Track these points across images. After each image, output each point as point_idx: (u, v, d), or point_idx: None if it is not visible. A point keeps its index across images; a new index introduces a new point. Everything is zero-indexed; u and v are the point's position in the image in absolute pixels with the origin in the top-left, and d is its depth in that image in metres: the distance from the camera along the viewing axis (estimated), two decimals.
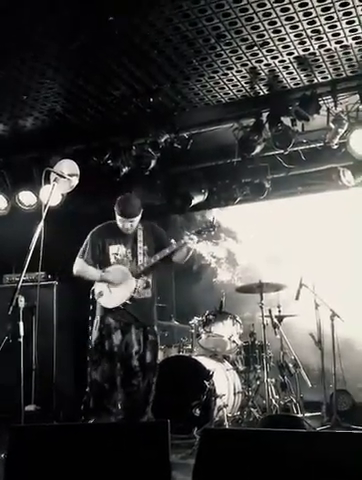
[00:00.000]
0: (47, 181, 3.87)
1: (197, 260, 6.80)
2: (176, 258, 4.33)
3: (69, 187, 3.97)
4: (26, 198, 6.13)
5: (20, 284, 3.56)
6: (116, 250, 4.38)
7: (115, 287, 4.29)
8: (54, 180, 3.83)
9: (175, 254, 4.30)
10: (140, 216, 4.38)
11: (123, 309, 4.23)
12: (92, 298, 4.44)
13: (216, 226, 4.28)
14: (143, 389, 4.20)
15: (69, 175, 3.90)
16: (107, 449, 2.24)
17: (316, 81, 4.89)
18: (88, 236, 4.51)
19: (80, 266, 4.42)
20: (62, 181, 3.87)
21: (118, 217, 4.36)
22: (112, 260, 4.37)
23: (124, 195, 4.46)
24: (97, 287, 4.39)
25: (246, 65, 4.60)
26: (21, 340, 3.76)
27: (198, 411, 4.64)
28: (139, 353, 4.20)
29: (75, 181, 3.96)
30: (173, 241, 4.28)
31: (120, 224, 4.37)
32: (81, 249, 4.47)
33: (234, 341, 5.56)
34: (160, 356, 5.83)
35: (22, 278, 3.57)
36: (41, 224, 3.62)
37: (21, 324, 3.82)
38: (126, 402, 4.15)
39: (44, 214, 3.67)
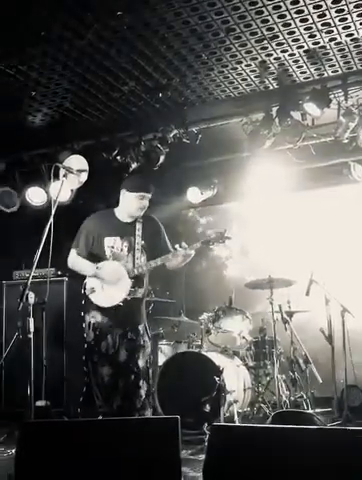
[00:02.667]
0: (56, 177, 3.87)
1: (207, 253, 6.72)
2: (171, 265, 4.13)
3: (78, 183, 3.96)
4: (35, 194, 6.14)
5: (30, 280, 3.57)
6: (112, 243, 4.12)
7: (109, 285, 4.05)
8: (63, 176, 3.83)
9: (172, 261, 4.10)
10: (151, 195, 4.15)
11: (114, 310, 4.02)
12: (83, 293, 4.16)
13: (227, 238, 4.07)
14: (126, 390, 3.99)
15: (78, 171, 3.89)
16: (117, 445, 2.24)
17: (326, 75, 4.85)
18: (82, 224, 4.25)
19: (73, 258, 4.20)
20: (71, 177, 3.86)
21: (131, 194, 4.07)
22: (107, 253, 4.12)
23: (132, 172, 4.22)
24: (89, 282, 4.14)
25: (256, 59, 4.57)
26: (31, 336, 3.76)
27: (208, 407, 4.63)
28: (126, 356, 4.00)
29: (84, 177, 3.95)
30: (177, 247, 4.04)
31: (129, 204, 4.11)
32: (75, 239, 4.23)
33: (244, 337, 5.55)
34: (170, 352, 5.86)
35: (32, 274, 3.57)
36: (51, 220, 3.62)
37: (31, 320, 3.82)
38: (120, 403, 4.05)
39: (53, 210, 3.68)
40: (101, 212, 4.35)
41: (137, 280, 4.09)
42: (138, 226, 4.16)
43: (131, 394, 3.98)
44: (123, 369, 4.00)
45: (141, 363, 4.05)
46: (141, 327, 4.13)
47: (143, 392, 4.02)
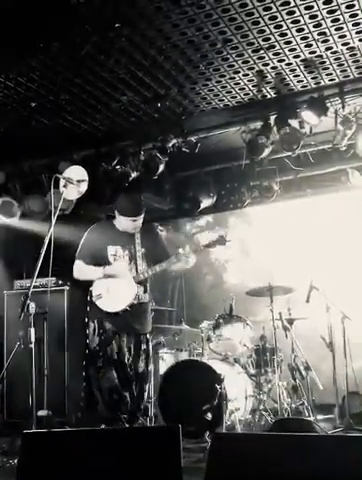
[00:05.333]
0: (56, 187, 3.90)
1: (206, 259, 6.72)
2: (175, 268, 4.23)
3: (78, 193, 4.00)
4: (36, 204, 6.16)
5: (31, 290, 3.59)
6: (114, 251, 4.25)
7: (115, 289, 4.14)
8: (63, 186, 3.86)
9: (175, 265, 4.20)
10: (143, 216, 4.26)
11: (121, 315, 4.11)
12: (89, 299, 4.26)
13: (228, 240, 4.18)
14: (135, 397, 4.11)
15: (78, 181, 3.93)
16: (119, 454, 2.25)
17: (323, 83, 4.88)
18: (84, 235, 4.35)
19: (80, 267, 4.28)
20: (71, 187, 3.89)
21: (120, 217, 4.22)
22: (111, 261, 4.24)
23: (125, 193, 4.33)
24: (96, 288, 4.24)
25: (253, 68, 4.61)
26: (32, 346, 3.78)
27: (209, 415, 4.63)
28: (130, 361, 4.09)
29: (84, 187, 3.99)
30: (171, 255, 4.18)
31: (123, 225, 4.23)
32: (78, 250, 4.32)
33: (245, 344, 5.55)
34: (171, 360, 5.86)
35: (33, 284, 3.59)
36: (51, 230, 3.65)
37: (32, 330, 3.83)
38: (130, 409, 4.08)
39: (54, 220, 3.70)
40: (101, 223, 4.46)
41: (142, 285, 4.20)
42: (137, 235, 4.28)
43: (139, 400, 4.13)
44: (141, 378, 4.13)
45: (150, 369, 4.25)
46: (149, 335, 4.27)
47: (146, 396, 4.18)
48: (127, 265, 4.18)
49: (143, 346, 4.16)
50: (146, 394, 4.15)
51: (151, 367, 4.22)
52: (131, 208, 4.23)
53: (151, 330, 4.32)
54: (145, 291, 4.23)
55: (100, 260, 4.24)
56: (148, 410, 4.12)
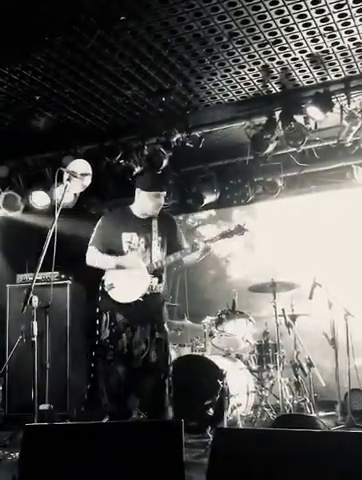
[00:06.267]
0: (60, 181, 3.89)
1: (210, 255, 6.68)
2: (188, 259, 4.14)
3: (82, 187, 3.98)
4: (39, 198, 6.15)
5: (34, 284, 3.58)
6: (129, 238, 4.10)
7: (128, 280, 4.02)
8: (67, 180, 3.84)
9: (189, 256, 4.11)
10: (165, 194, 4.18)
11: (134, 305, 3.99)
12: (101, 289, 4.12)
13: (246, 230, 4.02)
14: (154, 391, 3.97)
15: (82, 175, 3.91)
16: (121, 448, 2.24)
17: (329, 79, 4.86)
18: (99, 221, 4.25)
19: (92, 254, 4.16)
20: (75, 181, 3.88)
21: (142, 194, 4.08)
22: (125, 248, 4.09)
23: (144, 170, 4.23)
24: (108, 278, 4.11)
25: (258, 63, 4.59)
26: (35, 339, 3.77)
27: (211, 410, 4.63)
28: (144, 353, 3.97)
29: (88, 181, 3.97)
30: (187, 246, 4.08)
31: (144, 203, 4.10)
32: (92, 236, 4.21)
33: (247, 340, 5.54)
34: (173, 355, 5.85)
35: (36, 278, 3.59)
36: (54, 224, 3.64)
37: (35, 323, 3.82)
38: (141, 405, 4.03)
39: (57, 214, 3.69)
40: (118, 209, 4.34)
41: (156, 275, 4.07)
42: (154, 222, 4.15)
43: (160, 393, 3.97)
44: (154, 369, 3.98)
45: (168, 361, 4.07)
46: (166, 325, 4.12)
47: (167, 390, 4.01)
48: (142, 254, 4.09)
49: (157, 336, 4.02)
50: (167, 389, 3.98)
51: (168, 359, 4.10)
52: (153, 182, 4.11)
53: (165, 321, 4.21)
54: (160, 281, 4.09)
55: (114, 247, 4.12)
56: (168, 403, 3.99)
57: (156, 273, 4.06)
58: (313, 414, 4.99)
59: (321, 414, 5.22)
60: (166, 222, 4.23)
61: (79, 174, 3.90)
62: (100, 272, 4.20)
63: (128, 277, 4.03)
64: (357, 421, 5.03)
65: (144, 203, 4.12)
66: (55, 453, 2.28)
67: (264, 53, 4.42)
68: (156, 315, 4.10)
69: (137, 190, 4.14)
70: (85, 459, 2.25)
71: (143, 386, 3.99)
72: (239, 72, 4.73)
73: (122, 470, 2.21)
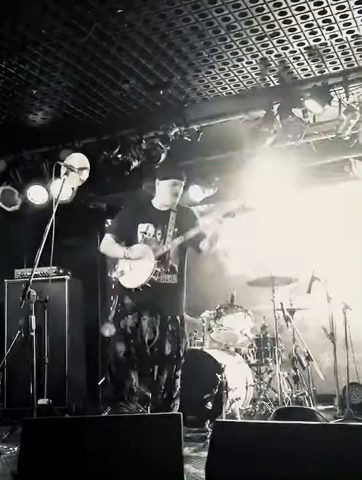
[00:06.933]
0: (57, 175, 3.88)
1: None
2: (202, 245, 4.10)
3: (79, 181, 3.96)
4: (37, 193, 6.13)
5: (32, 278, 3.57)
6: (145, 229, 4.13)
7: (136, 266, 4.04)
8: (64, 174, 3.83)
9: (201, 241, 4.08)
10: (184, 183, 4.19)
11: (141, 291, 3.98)
12: (114, 276, 4.22)
13: (249, 208, 4.04)
14: (163, 383, 3.98)
15: (79, 169, 3.90)
16: (119, 442, 2.25)
17: (327, 72, 4.84)
18: (120, 210, 4.36)
19: (106, 242, 4.24)
20: (72, 175, 3.86)
21: (164, 183, 4.11)
22: (139, 239, 4.12)
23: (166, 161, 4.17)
24: (119, 265, 4.16)
25: (256, 56, 4.57)
26: (33, 334, 3.76)
27: (210, 404, 4.64)
28: (153, 342, 3.97)
29: (85, 175, 3.95)
30: (197, 222, 4.07)
31: (162, 194, 4.13)
32: (110, 224, 4.34)
33: (246, 334, 5.54)
34: None
35: (34, 273, 3.58)
36: (52, 218, 3.63)
37: (33, 318, 3.81)
38: (146, 396, 4.02)
39: (55, 208, 3.68)
40: (140, 200, 4.36)
41: (165, 262, 4.05)
42: (172, 214, 4.17)
43: (171, 384, 4.00)
44: (168, 361, 4.00)
45: (181, 354, 4.07)
46: (179, 317, 4.10)
47: (178, 382, 4.05)
48: (156, 244, 4.11)
49: (170, 328, 4.02)
50: (178, 380, 4.02)
51: (181, 350, 4.10)
52: (171, 171, 4.17)
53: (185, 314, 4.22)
54: (172, 272, 4.09)
55: (128, 237, 4.17)
56: (178, 395, 4.01)
57: (163, 259, 4.05)
58: (312, 407, 5.00)
59: (320, 407, 5.24)
60: (185, 215, 4.23)
61: (77, 168, 3.89)
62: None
63: (137, 265, 4.05)
64: (356, 414, 5.04)
65: (163, 193, 4.14)
66: (54, 447, 2.28)
67: (262, 46, 4.39)
68: (168, 306, 4.07)
69: (156, 182, 4.17)
70: (84, 453, 2.25)
71: (155, 375, 3.99)
72: (237, 65, 4.71)
73: (121, 463, 2.21)
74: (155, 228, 4.14)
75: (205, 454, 2.19)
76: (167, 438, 2.23)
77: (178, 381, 4.04)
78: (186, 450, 4.17)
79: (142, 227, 4.14)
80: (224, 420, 4.23)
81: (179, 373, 4.05)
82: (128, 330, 4.00)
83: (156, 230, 4.14)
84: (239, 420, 4.62)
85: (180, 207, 4.27)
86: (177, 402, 4.03)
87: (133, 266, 4.07)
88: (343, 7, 3.91)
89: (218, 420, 2.48)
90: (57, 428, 2.40)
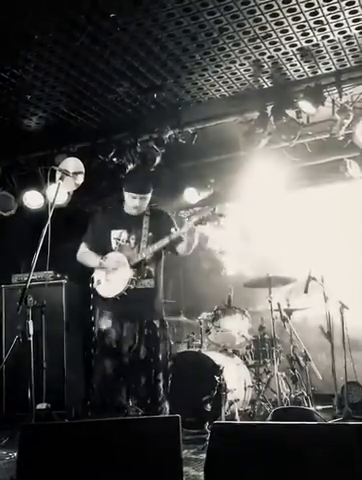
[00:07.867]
0: (53, 180, 3.88)
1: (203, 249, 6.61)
2: (179, 249, 4.07)
3: (75, 185, 3.98)
4: (33, 198, 6.13)
5: (28, 283, 3.57)
6: (118, 235, 4.12)
7: (112, 276, 4.03)
8: (60, 178, 3.84)
9: (178, 245, 4.05)
10: (150, 196, 4.14)
11: (121, 301, 3.96)
12: (92, 286, 4.16)
13: (220, 215, 4.00)
14: (145, 387, 3.95)
15: (74, 173, 3.90)
16: (118, 445, 2.25)
17: (320, 72, 4.86)
18: (91, 218, 4.33)
19: (82, 251, 4.22)
20: (68, 179, 3.87)
21: (125, 194, 4.10)
22: (113, 245, 4.12)
23: (134, 169, 4.21)
24: (96, 275, 4.14)
25: (249, 58, 4.58)
26: (31, 339, 3.77)
27: (209, 406, 4.65)
28: (133, 348, 3.95)
29: (80, 179, 3.96)
30: (173, 230, 4.00)
31: (128, 204, 4.12)
32: (85, 233, 4.28)
33: (243, 335, 5.56)
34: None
35: (30, 277, 3.58)
36: (48, 223, 3.63)
37: (30, 323, 3.82)
38: (133, 401, 4.02)
39: (51, 213, 3.68)
40: (111, 207, 4.37)
41: (141, 270, 4.03)
42: (145, 219, 4.15)
43: (152, 388, 3.96)
44: (144, 366, 3.97)
45: (160, 357, 4.01)
46: (157, 322, 4.06)
47: (161, 385, 3.99)
48: (131, 250, 4.09)
49: (146, 332, 3.99)
50: (161, 384, 3.96)
51: (166, 355, 4.06)
52: (136, 185, 4.11)
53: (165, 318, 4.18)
54: (149, 277, 4.07)
55: (102, 245, 4.15)
56: (164, 398, 3.98)
57: (140, 267, 4.04)
58: (310, 407, 5.01)
59: (318, 407, 5.24)
60: (158, 219, 4.21)
61: (72, 172, 3.90)
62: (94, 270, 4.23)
63: (112, 273, 4.04)
64: (354, 413, 5.05)
65: (127, 204, 4.15)
66: (53, 452, 2.28)
67: (255, 48, 4.40)
68: (146, 311, 4.05)
69: (123, 189, 4.16)
70: (83, 457, 2.25)
71: (135, 382, 3.98)
72: (230, 67, 4.72)
73: (120, 467, 2.22)
74: (129, 233, 4.12)
75: (204, 456, 2.19)
76: (166, 441, 2.23)
77: (160, 384, 3.97)
78: (185, 452, 4.18)
79: (115, 233, 4.13)
80: (222, 422, 4.23)
81: (161, 376, 3.98)
82: (113, 344, 3.97)
83: (129, 235, 4.12)
84: (237, 422, 4.63)
85: (153, 210, 4.25)
86: (165, 405, 3.98)
87: (109, 276, 4.05)
88: (334, 8, 3.92)
89: (216, 422, 2.48)
90: (56, 433, 2.40)
